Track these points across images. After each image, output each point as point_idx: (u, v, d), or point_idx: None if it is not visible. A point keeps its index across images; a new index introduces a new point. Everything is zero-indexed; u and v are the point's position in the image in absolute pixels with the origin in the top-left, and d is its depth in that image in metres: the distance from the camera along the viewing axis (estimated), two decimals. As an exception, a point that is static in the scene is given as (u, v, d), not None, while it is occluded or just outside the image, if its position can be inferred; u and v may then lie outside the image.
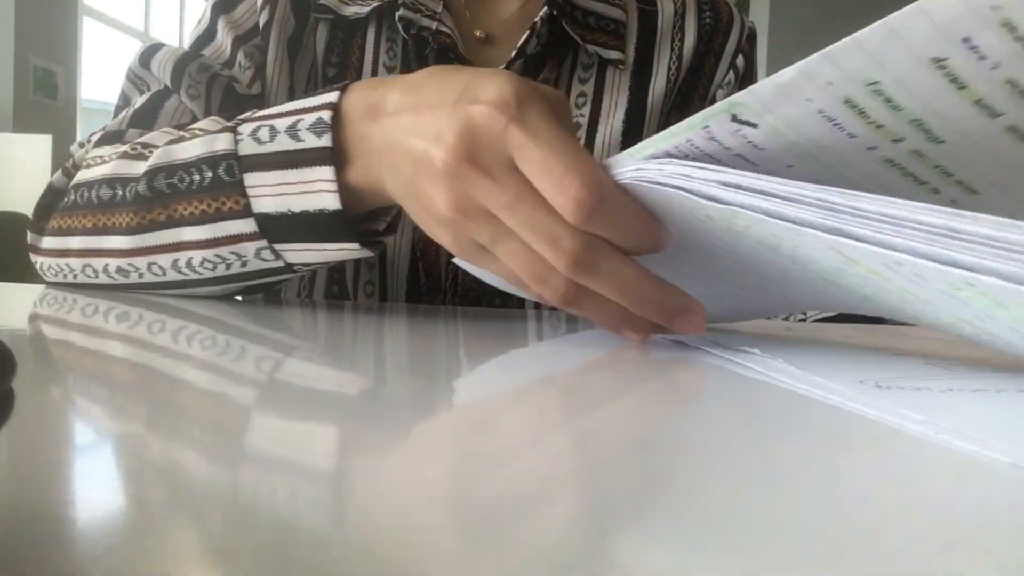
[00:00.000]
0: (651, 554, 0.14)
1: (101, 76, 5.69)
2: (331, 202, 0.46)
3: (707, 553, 0.14)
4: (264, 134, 0.48)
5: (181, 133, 0.54)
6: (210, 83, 0.68)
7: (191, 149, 0.50)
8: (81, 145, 0.66)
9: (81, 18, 4.98)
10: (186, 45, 0.73)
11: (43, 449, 0.19)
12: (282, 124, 0.47)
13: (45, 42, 4.55)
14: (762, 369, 0.33)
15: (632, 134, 0.74)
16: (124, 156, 0.55)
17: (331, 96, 0.46)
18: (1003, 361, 0.37)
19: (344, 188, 0.46)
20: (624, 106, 0.75)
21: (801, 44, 4.81)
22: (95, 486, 0.17)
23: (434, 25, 0.71)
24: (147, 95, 0.68)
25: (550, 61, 0.74)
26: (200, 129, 0.53)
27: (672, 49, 0.78)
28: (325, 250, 0.48)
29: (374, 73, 0.73)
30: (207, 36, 0.73)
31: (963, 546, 0.15)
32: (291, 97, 0.71)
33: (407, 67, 0.72)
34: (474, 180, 0.37)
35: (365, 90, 0.45)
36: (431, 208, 0.39)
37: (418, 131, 0.39)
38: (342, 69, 0.73)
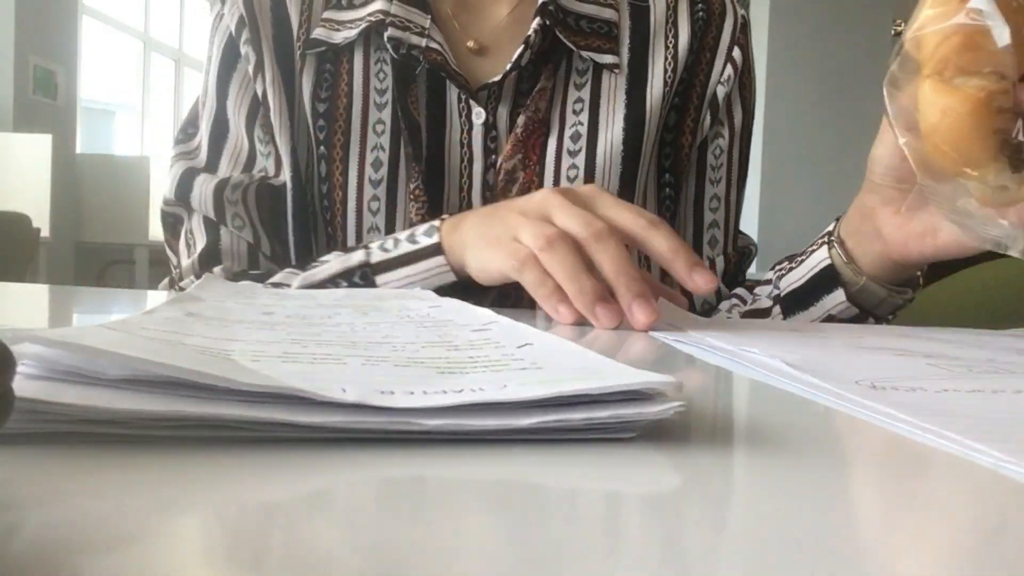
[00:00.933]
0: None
1: (101, 76, 5.69)
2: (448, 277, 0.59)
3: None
4: (389, 244, 0.61)
5: (307, 269, 0.64)
6: (245, 200, 0.71)
7: (327, 270, 0.62)
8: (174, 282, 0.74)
9: (81, 18, 4.98)
10: (203, 131, 0.74)
11: (42, 448, 0.19)
12: (401, 235, 0.61)
13: (45, 42, 4.55)
14: (759, 368, 0.33)
15: (632, 140, 0.73)
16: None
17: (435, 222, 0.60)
18: (1007, 361, 0.38)
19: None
20: (622, 111, 0.74)
21: (802, 41, 4.76)
22: (95, 486, 0.17)
23: (423, 42, 0.70)
24: (205, 237, 0.72)
25: (545, 69, 0.72)
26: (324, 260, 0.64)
27: (667, 48, 0.76)
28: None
29: (366, 97, 0.71)
30: (220, 126, 0.74)
31: (939, 545, 0.16)
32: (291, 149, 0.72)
33: (398, 86, 0.71)
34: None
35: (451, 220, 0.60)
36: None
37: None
38: (332, 101, 0.72)
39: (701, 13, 0.77)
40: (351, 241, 0.71)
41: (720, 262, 0.78)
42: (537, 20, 0.70)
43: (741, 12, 0.80)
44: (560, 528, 0.16)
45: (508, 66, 0.70)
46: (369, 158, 0.71)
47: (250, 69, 0.72)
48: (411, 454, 0.20)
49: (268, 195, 0.72)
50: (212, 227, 0.72)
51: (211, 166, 0.73)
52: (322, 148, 0.71)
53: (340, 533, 0.15)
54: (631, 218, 0.51)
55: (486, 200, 0.71)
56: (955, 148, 0.47)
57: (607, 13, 0.75)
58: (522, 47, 0.70)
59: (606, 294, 0.49)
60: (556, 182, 0.72)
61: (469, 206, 0.72)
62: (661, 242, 0.50)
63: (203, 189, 0.72)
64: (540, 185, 0.71)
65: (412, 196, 0.70)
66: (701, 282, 0.49)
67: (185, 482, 0.18)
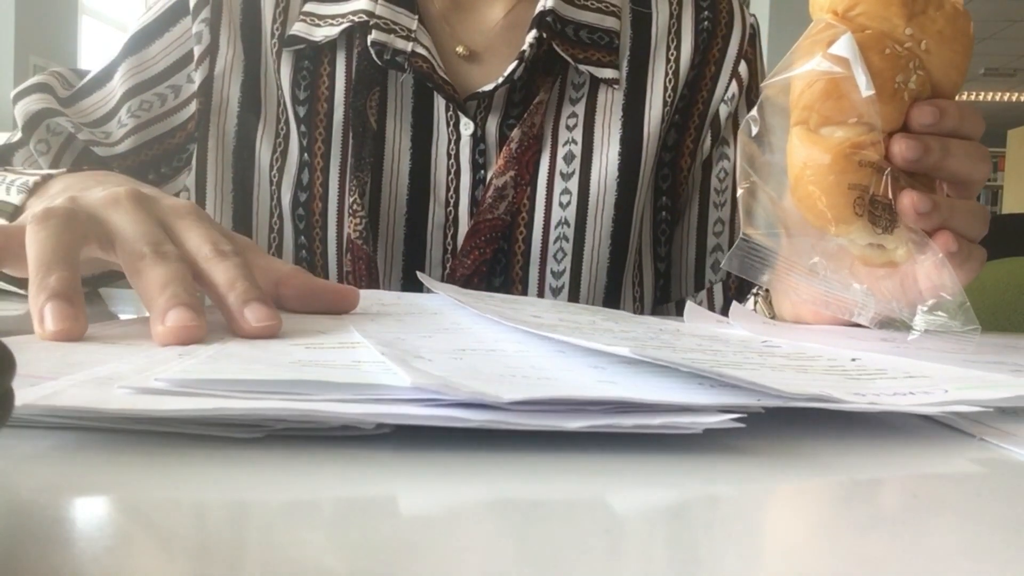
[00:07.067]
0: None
1: (101, 76, 5.70)
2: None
3: None
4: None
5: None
6: (63, 145, 0.68)
7: None
8: None
9: (80, 18, 4.99)
10: (93, 71, 0.71)
11: (42, 449, 0.19)
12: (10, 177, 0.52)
13: (45, 42, 4.56)
14: None
15: (628, 166, 0.68)
16: None
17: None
18: None
19: None
20: (619, 132, 0.69)
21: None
22: (94, 487, 0.17)
23: (409, 47, 0.65)
24: (10, 141, 0.68)
25: (543, 82, 0.68)
26: None
27: (667, 61, 0.71)
28: None
29: (348, 103, 0.67)
30: (104, 76, 0.70)
31: None
32: (247, 141, 0.68)
33: (357, 86, 0.67)
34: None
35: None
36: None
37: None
38: (312, 103, 0.67)
39: (706, 23, 0.72)
40: (331, 254, 0.66)
41: (719, 289, 0.73)
42: (533, 33, 0.66)
43: (751, 21, 0.75)
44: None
45: (500, 79, 0.66)
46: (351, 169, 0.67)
47: (197, 50, 0.68)
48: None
49: (89, 156, 0.68)
50: (19, 143, 0.67)
51: (63, 101, 0.69)
52: (305, 155, 0.67)
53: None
54: (197, 244, 0.39)
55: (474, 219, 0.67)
56: (816, 202, 0.44)
57: (609, 22, 0.70)
58: (516, 62, 0.66)
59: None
60: (548, 207, 0.67)
61: (456, 224, 0.67)
62: (220, 273, 0.37)
63: (32, 101, 0.67)
64: (531, 209, 0.67)
65: (351, 211, 0.65)
66: (252, 318, 0.35)
67: (197, 481, 0.17)
